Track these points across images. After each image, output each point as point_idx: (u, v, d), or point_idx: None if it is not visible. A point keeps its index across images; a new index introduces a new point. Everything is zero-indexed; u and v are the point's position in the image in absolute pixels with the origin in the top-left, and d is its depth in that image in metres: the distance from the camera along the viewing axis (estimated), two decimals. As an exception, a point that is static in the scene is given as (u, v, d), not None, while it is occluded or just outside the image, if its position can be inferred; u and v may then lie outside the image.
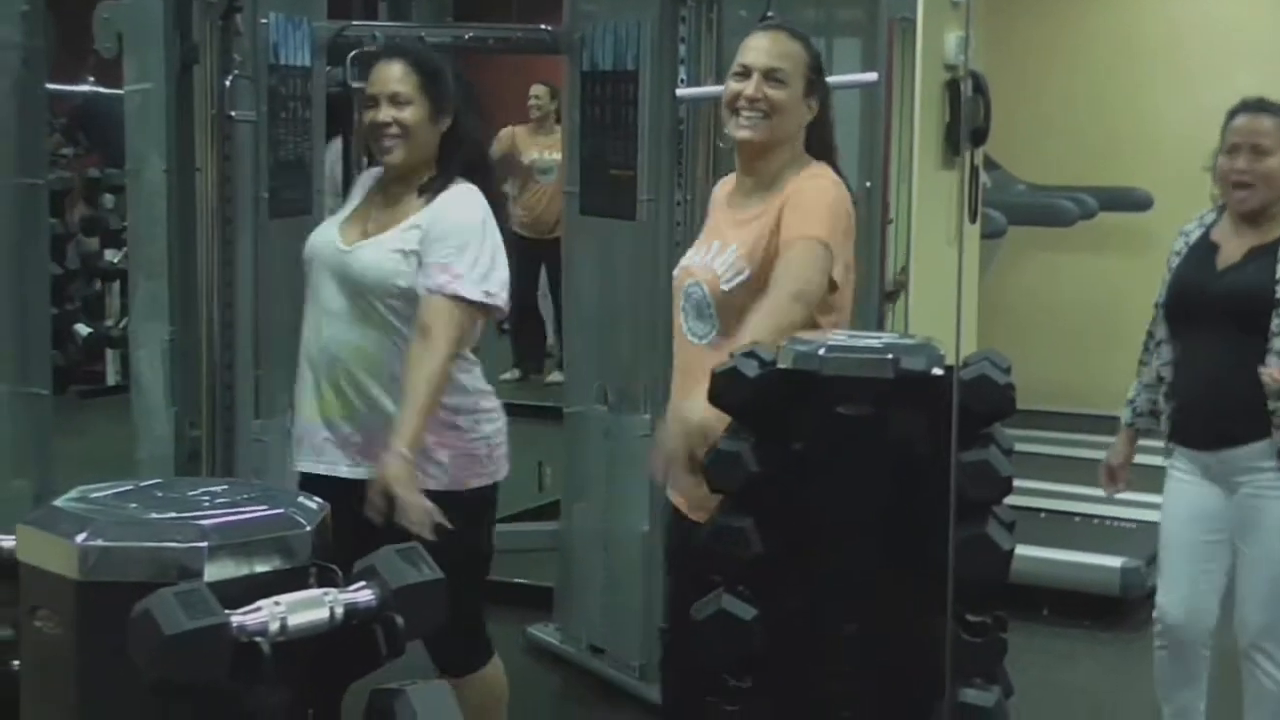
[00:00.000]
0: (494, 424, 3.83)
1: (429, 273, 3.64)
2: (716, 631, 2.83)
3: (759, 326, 3.22)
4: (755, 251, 3.42)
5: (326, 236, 3.88)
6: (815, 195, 3.42)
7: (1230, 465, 4.09)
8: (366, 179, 4.02)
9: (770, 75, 3.44)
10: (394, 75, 3.75)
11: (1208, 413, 4.09)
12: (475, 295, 3.63)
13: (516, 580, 6.24)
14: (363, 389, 3.75)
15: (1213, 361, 4.06)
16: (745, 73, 3.47)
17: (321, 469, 3.81)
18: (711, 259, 3.50)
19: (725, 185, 3.72)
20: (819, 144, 3.57)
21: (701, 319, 3.51)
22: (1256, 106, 4.10)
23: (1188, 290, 4.14)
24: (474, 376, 3.81)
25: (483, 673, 3.91)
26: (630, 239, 5.18)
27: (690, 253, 3.63)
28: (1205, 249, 4.16)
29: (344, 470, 3.77)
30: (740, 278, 3.42)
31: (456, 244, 3.65)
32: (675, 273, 3.63)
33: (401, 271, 3.68)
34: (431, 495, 3.66)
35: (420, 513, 3.43)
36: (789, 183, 3.47)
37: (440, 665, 3.77)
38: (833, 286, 3.39)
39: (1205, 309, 4.08)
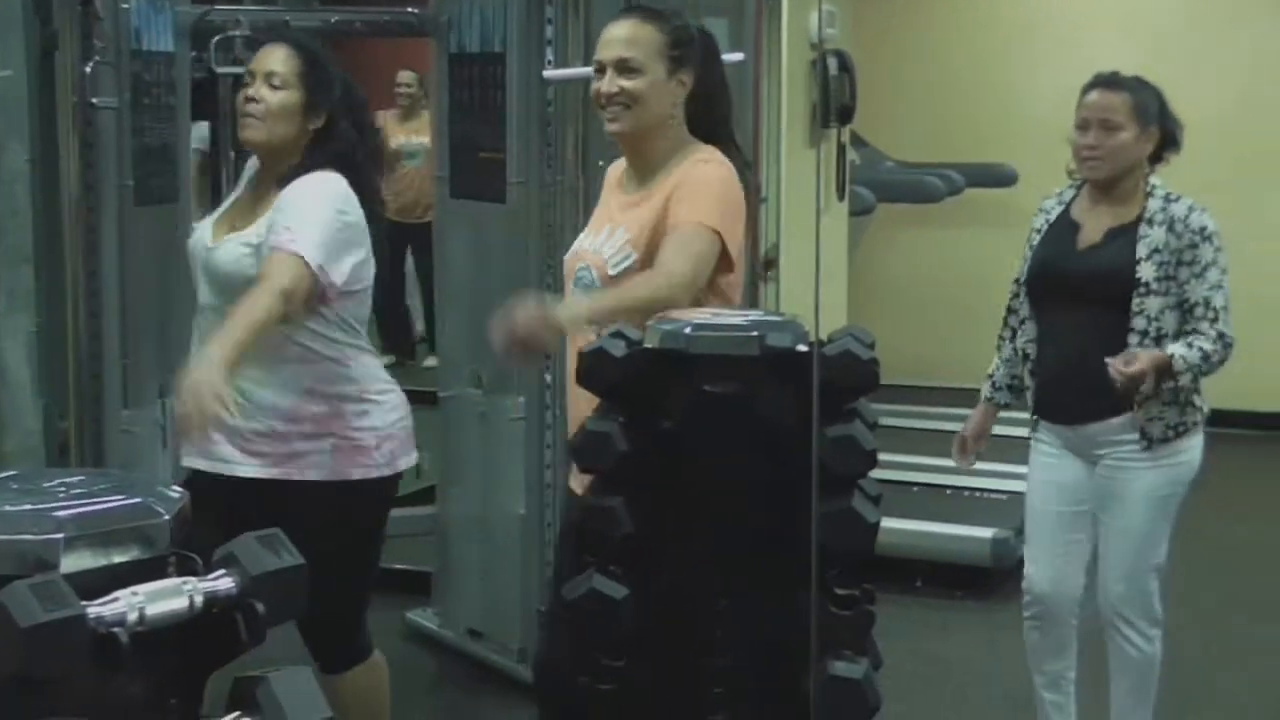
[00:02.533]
0: (386, 416, 3.75)
1: (272, 238, 3.55)
2: (589, 611, 2.84)
3: (627, 295, 3.28)
4: (640, 236, 3.44)
5: (200, 234, 3.81)
6: (701, 183, 3.44)
7: (1091, 439, 4.16)
8: (250, 171, 3.93)
9: (623, 66, 3.45)
10: (276, 57, 3.70)
11: (1070, 389, 4.15)
12: (311, 257, 3.49)
13: (395, 566, 6.20)
14: (242, 388, 3.61)
15: (1074, 338, 4.12)
16: (600, 69, 3.48)
17: (205, 465, 3.70)
18: (601, 243, 3.50)
19: (617, 169, 3.72)
20: (706, 119, 3.58)
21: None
22: (1108, 82, 4.15)
23: (1049, 268, 4.19)
24: (364, 365, 3.74)
25: (355, 672, 3.84)
26: (500, 222, 5.17)
27: (581, 237, 3.63)
28: (1066, 227, 4.21)
29: (227, 468, 3.68)
30: (626, 262, 3.44)
31: (298, 216, 3.56)
32: (566, 258, 3.61)
33: (254, 265, 3.59)
34: (311, 486, 3.65)
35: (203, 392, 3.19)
36: (674, 170, 3.49)
37: (316, 660, 3.75)
38: (729, 266, 3.44)
39: (1066, 287, 4.13)
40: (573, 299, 3.46)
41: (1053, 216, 4.26)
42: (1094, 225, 4.16)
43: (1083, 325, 4.09)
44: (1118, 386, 3.92)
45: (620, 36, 3.48)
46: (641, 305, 3.21)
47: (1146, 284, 4.02)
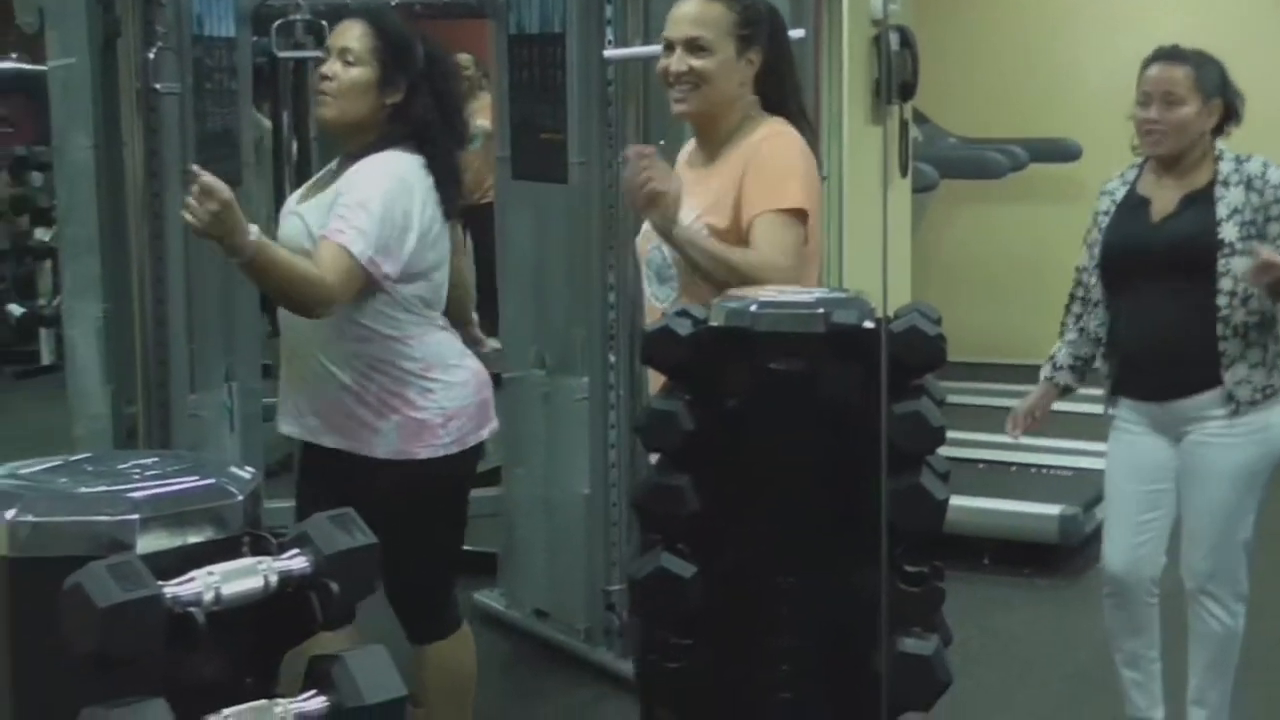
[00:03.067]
0: (454, 393, 3.73)
1: (330, 220, 3.55)
2: (656, 589, 2.84)
3: (722, 249, 3.33)
4: (715, 210, 3.42)
5: (286, 206, 3.82)
6: (778, 159, 3.43)
7: (1178, 415, 4.11)
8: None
9: (692, 45, 3.43)
10: (352, 33, 3.68)
11: (1156, 365, 4.11)
12: (360, 251, 3.49)
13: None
14: (308, 362, 3.69)
15: (1158, 314, 4.07)
16: (670, 47, 3.46)
17: (297, 433, 3.78)
18: None
19: (687, 148, 3.71)
20: (774, 93, 3.55)
21: (663, 283, 3.49)
22: (1169, 55, 4.10)
23: (1126, 246, 4.14)
24: (428, 344, 3.70)
25: (440, 644, 3.91)
26: (562, 202, 5.17)
27: None
28: (1135, 204, 4.17)
29: (313, 436, 3.74)
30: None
31: (357, 199, 3.54)
32: (638, 240, 3.58)
33: (309, 240, 3.60)
34: (381, 464, 3.66)
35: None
36: (744, 141, 3.47)
37: (405, 628, 3.87)
38: (806, 239, 3.43)
39: (1147, 262, 4.08)
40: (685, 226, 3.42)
41: (1118, 197, 4.21)
42: (1165, 197, 4.11)
43: (1165, 299, 4.05)
44: (1259, 276, 3.85)
45: (690, 14, 3.46)
46: (732, 268, 3.26)
47: (1230, 244, 3.98)
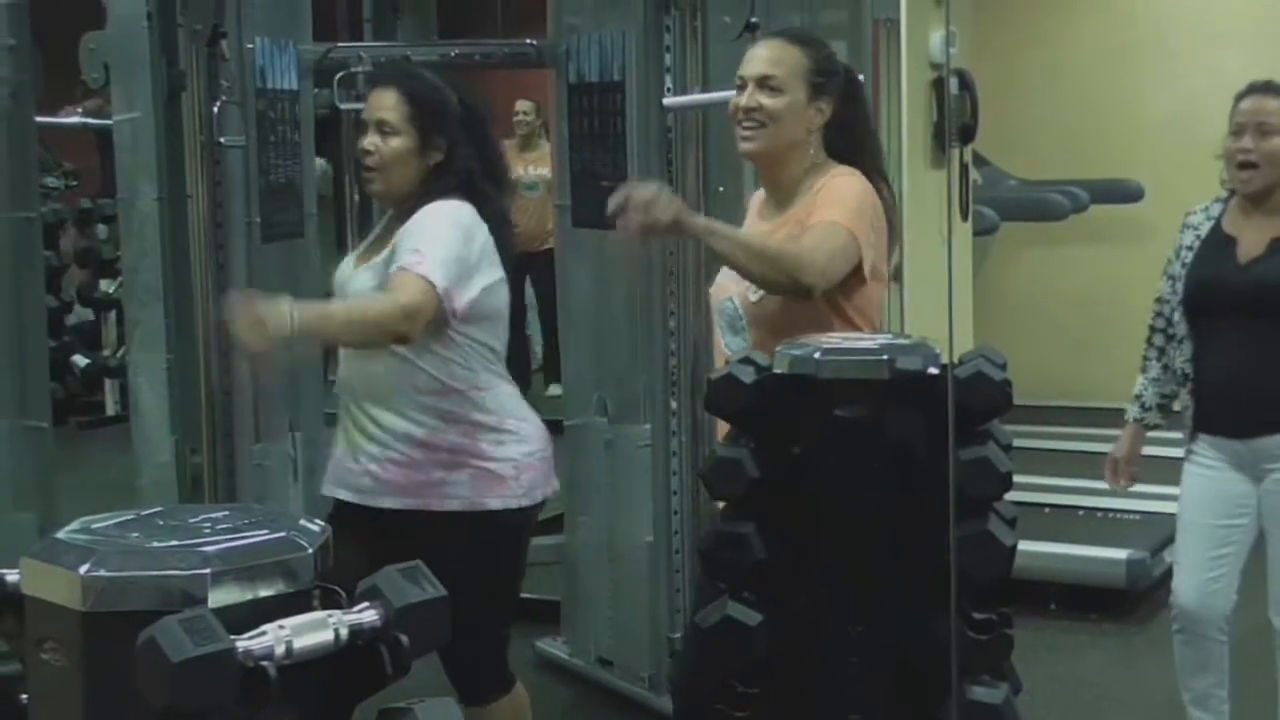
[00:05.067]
0: (525, 446, 3.73)
1: (399, 259, 3.55)
2: (722, 638, 2.83)
3: (758, 240, 3.40)
4: None
5: (343, 268, 3.83)
6: (839, 190, 3.44)
7: (1260, 453, 4.09)
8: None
9: (764, 83, 3.44)
10: (385, 104, 3.68)
11: (1239, 402, 4.09)
12: (437, 280, 3.48)
13: (523, 595, 6.24)
14: (378, 418, 3.68)
15: (1242, 352, 4.06)
16: (742, 84, 3.48)
17: (347, 496, 3.75)
18: None
19: (758, 198, 3.72)
20: (846, 145, 3.55)
21: (735, 333, 3.49)
22: (1264, 88, 4.11)
23: (1210, 284, 4.12)
24: (499, 396, 3.72)
25: (499, 704, 3.83)
26: (623, 250, 5.17)
27: (724, 269, 3.56)
28: (1220, 242, 4.15)
29: (369, 499, 3.71)
30: None
31: (424, 237, 3.55)
32: (711, 290, 3.61)
33: (380, 289, 3.61)
34: (451, 516, 3.66)
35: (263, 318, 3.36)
36: (813, 189, 3.49)
37: (459, 693, 3.74)
38: (861, 280, 3.42)
39: (1231, 302, 4.08)
40: (709, 219, 3.47)
41: (1203, 232, 4.19)
42: (1253, 238, 4.10)
43: (1248, 338, 4.05)
44: None
45: (765, 54, 3.49)
46: (766, 256, 3.30)
47: None
